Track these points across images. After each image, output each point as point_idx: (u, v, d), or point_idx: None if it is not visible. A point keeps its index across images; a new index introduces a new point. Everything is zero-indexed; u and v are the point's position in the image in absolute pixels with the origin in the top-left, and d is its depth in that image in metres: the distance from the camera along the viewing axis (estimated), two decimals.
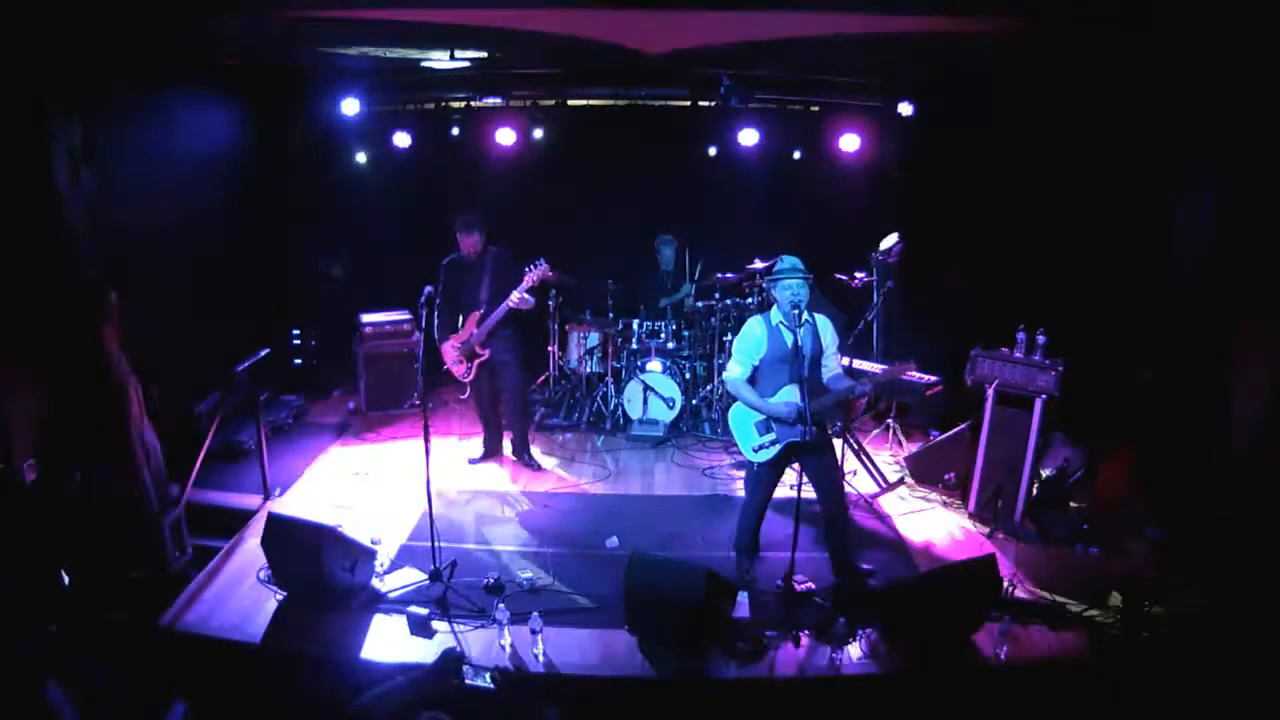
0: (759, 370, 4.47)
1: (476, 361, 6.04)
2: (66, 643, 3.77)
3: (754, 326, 4.48)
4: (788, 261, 4.43)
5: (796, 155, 7.92)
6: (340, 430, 7.05)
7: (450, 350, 6.11)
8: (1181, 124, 5.33)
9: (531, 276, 5.78)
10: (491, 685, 3.41)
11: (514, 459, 6.38)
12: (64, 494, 4.55)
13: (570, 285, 7.02)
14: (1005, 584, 4.36)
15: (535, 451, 6.46)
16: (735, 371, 4.49)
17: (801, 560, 4.45)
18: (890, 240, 6.74)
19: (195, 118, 6.33)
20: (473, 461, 6.36)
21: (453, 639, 4.09)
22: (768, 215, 7.74)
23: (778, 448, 4.41)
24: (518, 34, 5.45)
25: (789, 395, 4.36)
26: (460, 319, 6.03)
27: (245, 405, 5.79)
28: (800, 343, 4.29)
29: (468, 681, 3.37)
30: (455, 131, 7.69)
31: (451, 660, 3.38)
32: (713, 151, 8.08)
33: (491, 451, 6.42)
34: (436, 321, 6.02)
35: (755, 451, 4.48)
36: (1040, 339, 5.27)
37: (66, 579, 4.14)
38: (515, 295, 5.76)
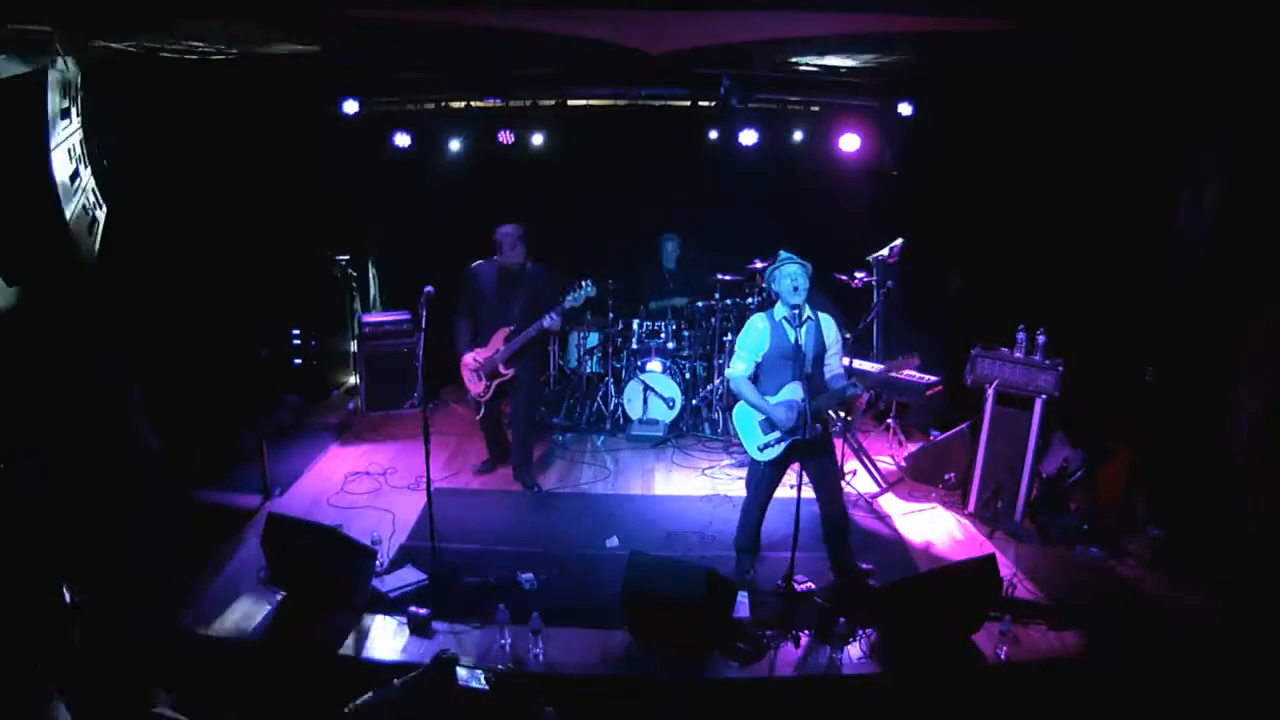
0: (761, 367, 4.47)
1: (497, 381, 5.63)
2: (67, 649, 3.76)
3: (757, 322, 4.47)
4: (785, 255, 4.42)
5: (796, 156, 7.91)
6: (340, 430, 7.06)
7: (470, 364, 5.72)
8: (1182, 118, 5.33)
9: (574, 296, 5.40)
10: (485, 686, 3.38)
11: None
12: (61, 493, 4.54)
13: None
14: (1005, 584, 4.36)
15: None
16: (738, 369, 4.49)
17: (801, 560, 4.45)
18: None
19: (197, 116, 6.33)
20: (477, 472, 6.19)
21: (453, 639, 4.09)
22: (768, 215, 7.73)
23: (782, 446, 4.41)
24: (519, 34, 5.45)
25: (791, 392, 4.36)
26: (475, 331, 5.71)
27: (245, 405, 5.80)
28: (802, 340, 4.29)
29: (461, 683, 3.34)
30: (455, 133, 7.68)
31: (444, 662, 3.35)
32: (712, 151, 8.07)
33: (496, 465, 6.21)
34: (456, 331, 5.72)
35: (760, 450, 4.47)
36: (1040, 339, 5.27)
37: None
38: (549, 318, 5.38)
